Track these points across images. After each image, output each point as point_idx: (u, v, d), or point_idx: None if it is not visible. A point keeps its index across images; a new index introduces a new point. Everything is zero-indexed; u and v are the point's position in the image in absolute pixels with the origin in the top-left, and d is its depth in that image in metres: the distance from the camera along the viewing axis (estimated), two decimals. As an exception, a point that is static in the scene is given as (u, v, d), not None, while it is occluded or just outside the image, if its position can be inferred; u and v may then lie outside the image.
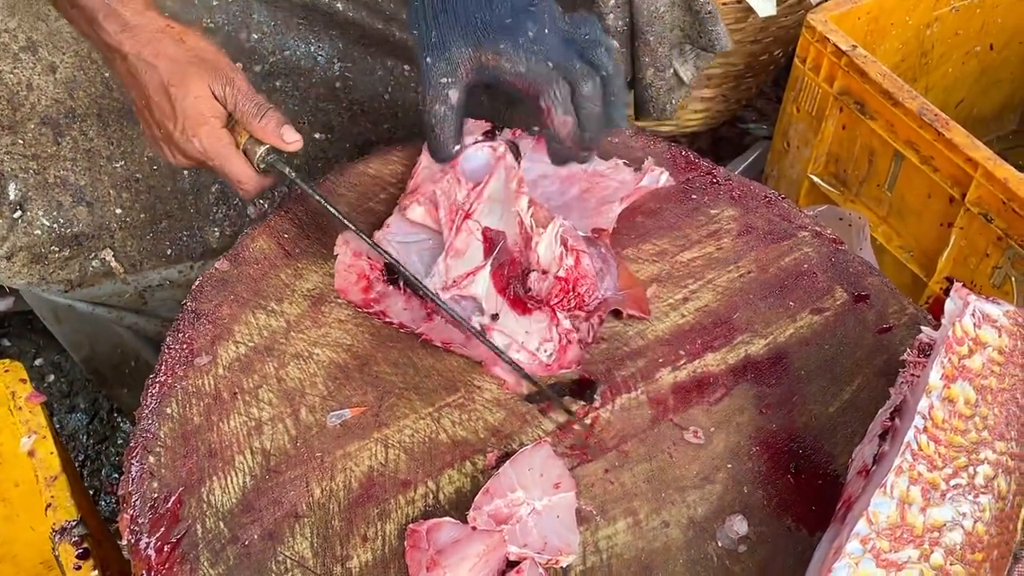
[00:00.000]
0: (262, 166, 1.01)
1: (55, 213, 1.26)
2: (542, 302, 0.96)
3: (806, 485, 0.91)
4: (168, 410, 0.93)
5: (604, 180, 1.10)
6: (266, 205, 1.36)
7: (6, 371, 1.11)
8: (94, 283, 1.33)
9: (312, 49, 1.31)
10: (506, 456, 0.91)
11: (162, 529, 0.86)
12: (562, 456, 0.90)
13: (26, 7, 1.22)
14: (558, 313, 0.96)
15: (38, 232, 1.25)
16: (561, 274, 0.96)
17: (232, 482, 0.89)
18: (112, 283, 1.34)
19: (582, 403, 0.95)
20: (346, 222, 1.00)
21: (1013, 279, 1.45)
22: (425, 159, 1.06)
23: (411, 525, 0.85)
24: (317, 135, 1.36)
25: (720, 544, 0.87)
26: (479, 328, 0.96)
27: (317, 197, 0.99)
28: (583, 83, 0.94)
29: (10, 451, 1.13)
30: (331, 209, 0.99)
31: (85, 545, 0.98)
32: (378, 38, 1.31)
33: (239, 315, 1.00)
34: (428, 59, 0.94)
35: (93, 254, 1.30)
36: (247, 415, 0.93)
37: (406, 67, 1.34)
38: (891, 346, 1.01)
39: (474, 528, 0.83)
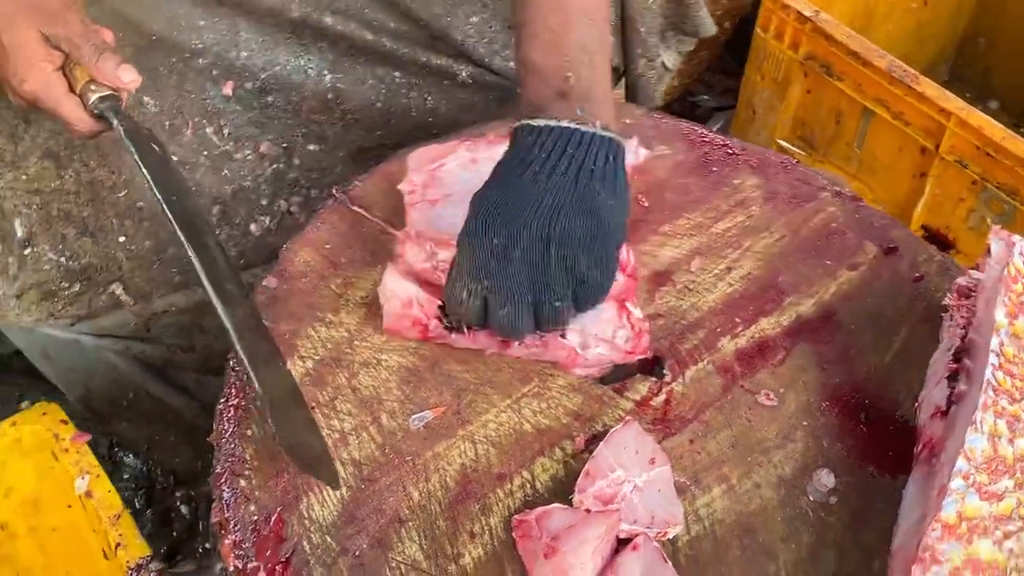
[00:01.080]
0: (96, 112, 1.01)
1: (61, 247, 1.23)
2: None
3: (879, 433, 0.95)
4: (249, 432, 0.92)
5: None
6: (268, 221, 1.34)
7: (44, 414, 1.08)
8: (101, 315, 1.30)
9: (302, 62, 1.30)
10: (594, 439, 0.93)
11: (269, 550, 0.85)
12: (648, 432, 0.92)
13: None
14: (627, 304, 0.97)
15: (46, 267, 1.22)
16: (628, 271, 0.97)
17: (329, 496, 0.88)
18: (119, 314, 1.31)
19: (653, 379, 0.97)
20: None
21: (989, 219, 1.52)
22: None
23: (517, 516, 0.86)
24: (311, 146, 1.34)
25: (812, 498, 0.90)
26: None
27: (131, 150, 0.99)
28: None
29: (51, 497, 1.10)
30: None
31: (165, 580, 0.96)
32: (368, 49, 1.31)
33: (299, 330, 0.99)
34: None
35: (102, 288, 1.27)
36: (329, 428, 0.93)
37: (397, 74, 1.34)
38: (927, 293, 1.06)
39: (588, 511, 0.84)
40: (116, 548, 0.98)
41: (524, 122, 0.92)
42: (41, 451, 1.06)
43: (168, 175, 0.99)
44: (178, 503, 1.54)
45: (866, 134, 1.62)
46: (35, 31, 0.99)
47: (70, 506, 1.05)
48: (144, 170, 0.97)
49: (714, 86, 2.21)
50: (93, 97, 1.00)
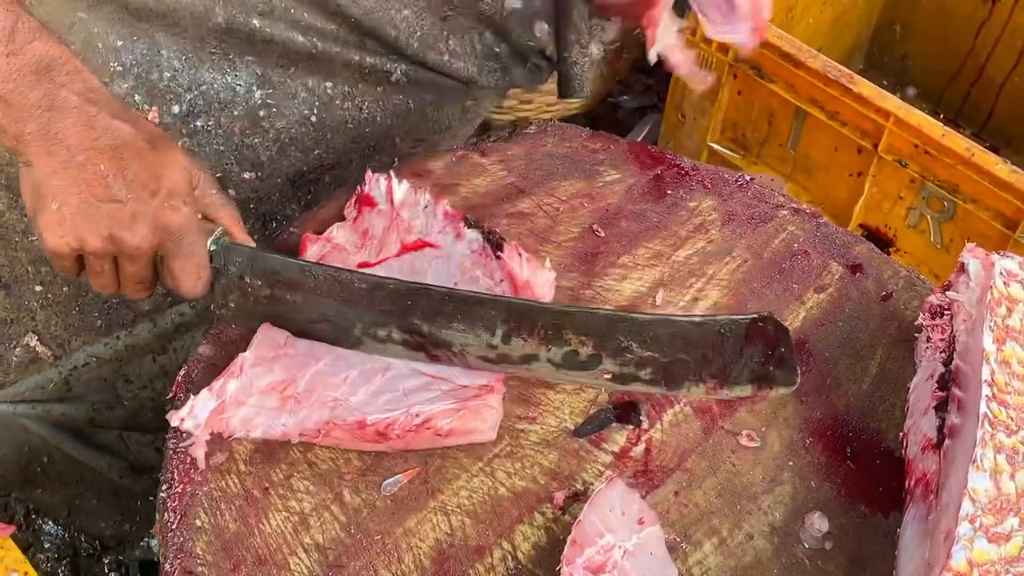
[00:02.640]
0: (213, 248, 0.92)
1: (-33, 303, 1.12)
2: None
3: (866, 467, 0.91)
4: (198, 522, 0.84)
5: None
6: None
7: (-43, 507, 0.96)
8: (17, 378, 1.19)
9: (229, 80, 1.21)
10: (574, 497, 0.87)
11: (233, 658, 0.77)
12: (631, 487, 0.86)
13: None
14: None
15: (-49, 331, 1.10)
16: None
17: (294, 588, 0.81)
18: (37, 374, 1.20)
19: (631, 427, 0.92)
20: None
21: (929, 217, 1.51)
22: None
23: (504, 595, 0.80)
24: (246, 174, 1.25)
25: (807, 545, 0.86)
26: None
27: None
28: None
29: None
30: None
31: None
32: (298, 55, 1.22)
33: (243, 401, 0.91)
34: None
35: (15, 342, 1.16)
36: (287, 510, 0.85)
37: (328, 84, 1.25)
38: (898, 312, 1.02)
39: (581, 585, 0.78)
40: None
41: None
42: (-45, 548, 0.96)
43: None
44: (107, 571, 1.43)
45: (800, 135, 1.60)
46: (188, 162, 0.90)
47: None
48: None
49: (632, 86, 2.16)
50: (216, 232, 0.92)
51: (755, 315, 0.85)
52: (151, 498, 1.45)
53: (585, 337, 0.88)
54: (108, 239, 0.87)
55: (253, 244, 0.95)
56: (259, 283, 0.93)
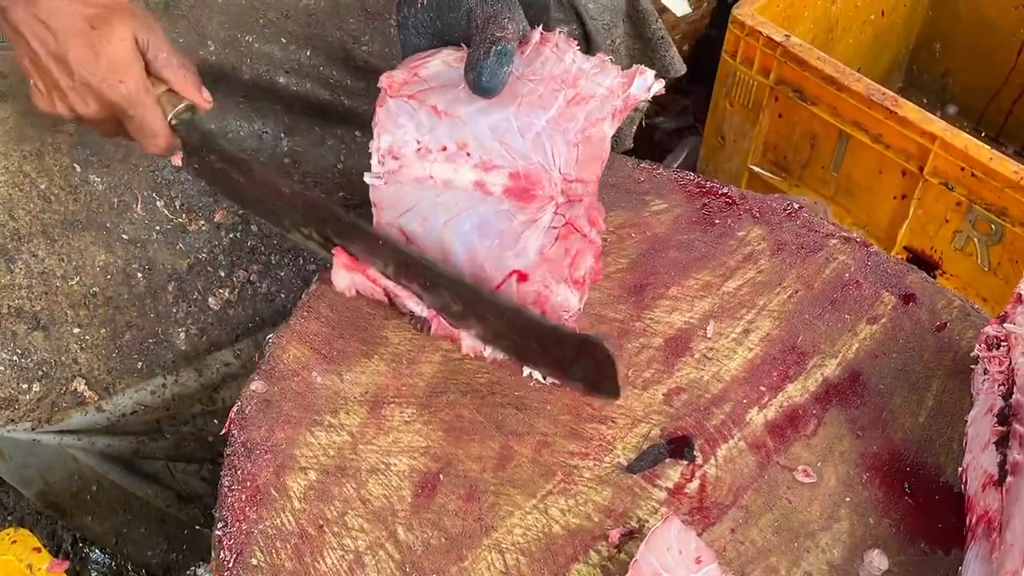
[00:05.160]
0: (174, 122, 0.99)
1: (12, 345, 1.12)
2: None
3: (925, 503, 0.90)
4: (253, 560, 0.84)
5: (590, 84, 0.94)
6: (227, 293, 1.25)
7: (14, 542, 0.97)
8: (65, 417, 1.20)
9: (256, 127, 1.22)
10: (629, 535, 0.86)
11: None
12: (687, 525, 0.85)
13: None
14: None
15: (1, 368, 1.11)
16: None
17: (351, 628, 0.80)
18: (83, 413, 1.21)
19: (684, 463, 0.91)
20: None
21: (976, 240, 1.49)
22: None
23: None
24: None
25: (866, 584, 0.85)
26: None
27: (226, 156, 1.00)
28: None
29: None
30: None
31: None
32: (325, 108, 1.22)
33: (296, 437, 0.91)
34: None
35: (63, 387, 1.16)
36: (342, 548, 0.84)
37: (357, 133, 1.26)
38: (953, 342, 1.01)
39: (640, 627, 0.78)
40: None
41: None
42: (13, 583, 0.97)
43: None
44: (154, 599, 1.44)
45: (843, 157, 1.58)
46: (131, 32, 0.94)
47: (49, 639, 0.95)
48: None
49: (668, 107, 2.16)
50: (179, 106, 0.99)
51: (586, 336, 0.88)
52: (197, 527, 1.46)
53: (457, 298, 0.93)
54: (73, 114, 0.97)
55: (208, 103, 1.02)
56: (213, 158, 1.01)
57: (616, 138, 1.43)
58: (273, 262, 1.27)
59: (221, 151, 1.00)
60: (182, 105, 0.99)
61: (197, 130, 1.01)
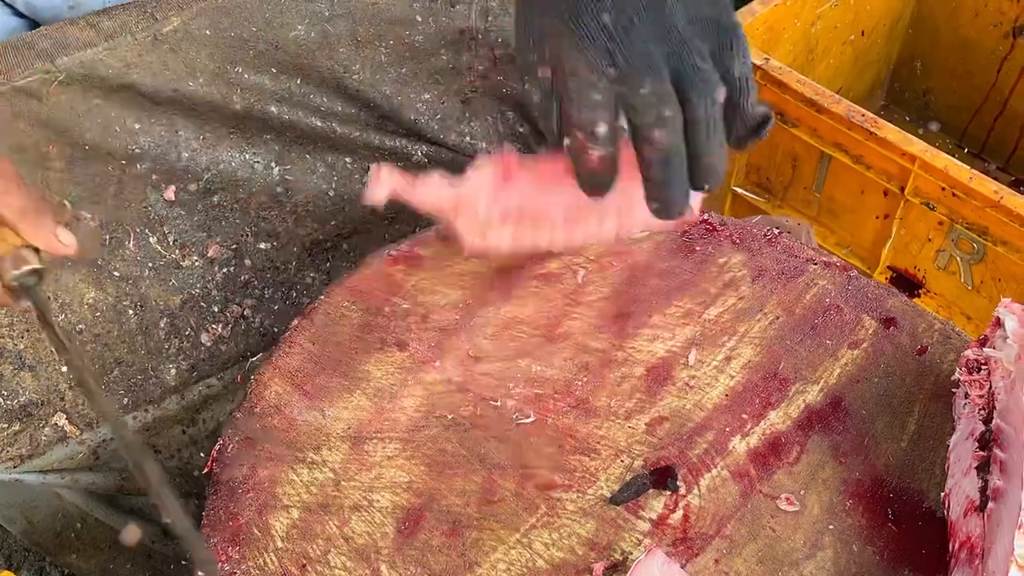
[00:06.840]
0: (15, 284, 0.87)
1: (-1, 387, 1.12)
2: None
3: (908, 529, 0.90)
4: (238, 601, 0.83)
5: None
6: (220, 328, 1.25)
7: (-4, 585, 0.97)
8: (46, 451, 1.19)
9: (247, 157, 1.22)
10: (613, 568, 0.86)
11: None
12: (671, 557, 0.85)
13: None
14: None
15: (-14, 411, 1.11)
16: None
17: (334, 668, 0.80)
18: (65, 447, 1.20)
19: (667, 493, 0.91)
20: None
21: (959, 259, 1.50)
22: None
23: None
24: (262, 244, 1.26)
25: (852, 612, 0.85)
26: None
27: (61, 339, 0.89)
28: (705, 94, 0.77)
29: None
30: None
31: None
32: (316, 136, 1.23)
33: (278, 475, 0.91)
34: None
35: (44, 422, 1.16)
36: (325, 587, 0.84)
37: (347, 159, 1.26)
38: (934, 366, 1.01)
39: (624, 663, 0.77)
40: None
41: None
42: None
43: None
44: (142, 636, 1.43)
45: (825, 178, 1.59)
46: None
47: None
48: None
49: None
50: (22, 269, 0.87)
51: None
52: (183, 562, 1.45)
53: None
54: None
55: (69, 248, 0.89)
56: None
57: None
58: (267, 296, 1.28)
59: (49, 328, 0.91)
60: (27, 268, 0.87)
61: (36, 298, 0.90)
